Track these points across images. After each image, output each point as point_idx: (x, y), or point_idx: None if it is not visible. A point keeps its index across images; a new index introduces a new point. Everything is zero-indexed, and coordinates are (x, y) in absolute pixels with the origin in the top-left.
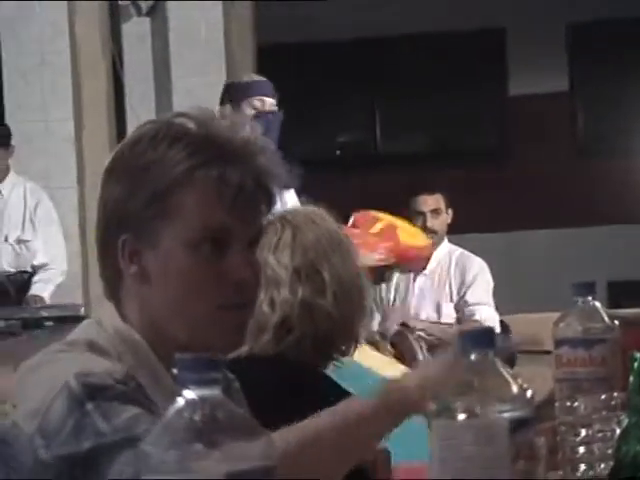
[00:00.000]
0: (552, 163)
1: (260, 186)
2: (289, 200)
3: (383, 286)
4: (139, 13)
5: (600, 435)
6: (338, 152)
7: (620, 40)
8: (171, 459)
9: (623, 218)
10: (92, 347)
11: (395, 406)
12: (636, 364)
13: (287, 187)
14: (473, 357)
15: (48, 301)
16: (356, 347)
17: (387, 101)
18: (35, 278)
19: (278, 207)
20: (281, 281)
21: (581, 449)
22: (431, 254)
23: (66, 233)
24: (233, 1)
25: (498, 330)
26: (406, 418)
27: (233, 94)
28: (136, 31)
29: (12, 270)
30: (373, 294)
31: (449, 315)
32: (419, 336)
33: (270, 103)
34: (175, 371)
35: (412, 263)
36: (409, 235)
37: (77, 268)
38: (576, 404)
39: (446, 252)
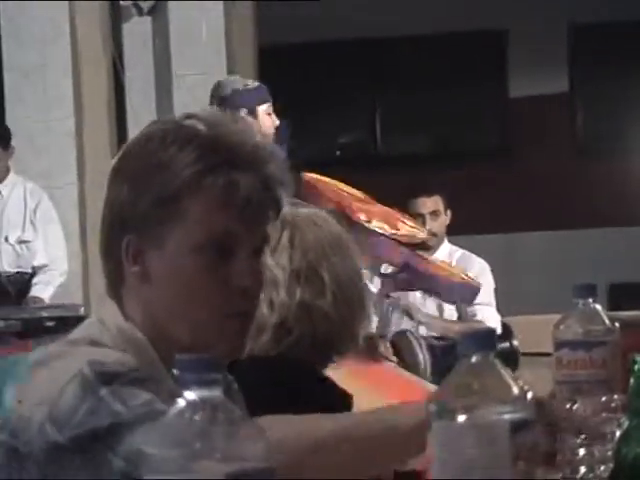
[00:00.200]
0: (553, 164)
1: (269, 193)
2: None
3: None
4: (140, 13)
5: (600, 437)
6: (338, 152)
7: (621, 42)
8: (172, 459)
9: (624, 220)
10: (96, 345)
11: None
12: (636, 366)
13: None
14: (474, 359)
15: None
16: (356, 347)
17: (388, 102)
18: (35, 280)
19: None
20: (279, 282)
21: (581, 451)
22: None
23: (66, 231)
24: (234, 1)
25: (499, 331)
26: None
27: (225, 105)
28: (137, 31)
29: (12, 271)
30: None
31: (451, 315)
32: (420, 336)
33: (263, 112)
34: (176, 372)
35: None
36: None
37: (77, 267)
38: (576, 406)
39: (447, 253)
